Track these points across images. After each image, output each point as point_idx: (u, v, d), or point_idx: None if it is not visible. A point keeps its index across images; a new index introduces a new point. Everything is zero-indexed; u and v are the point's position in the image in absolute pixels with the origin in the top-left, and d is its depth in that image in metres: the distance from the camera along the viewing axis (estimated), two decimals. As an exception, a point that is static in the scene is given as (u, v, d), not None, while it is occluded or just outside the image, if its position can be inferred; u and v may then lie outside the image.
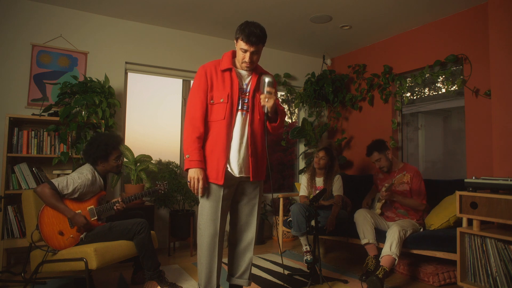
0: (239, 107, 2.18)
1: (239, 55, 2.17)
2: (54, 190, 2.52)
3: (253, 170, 2.20)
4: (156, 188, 2.87)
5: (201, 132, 2.13)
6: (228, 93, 2.15)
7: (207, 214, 2.15)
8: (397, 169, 3.32)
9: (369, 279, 2.65)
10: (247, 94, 2.22)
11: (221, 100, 2.14)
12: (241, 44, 2.12)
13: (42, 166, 3.52)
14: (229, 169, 2.15)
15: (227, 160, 2.13)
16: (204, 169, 2.12)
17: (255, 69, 2.28)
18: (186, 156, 2.11)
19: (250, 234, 2.30)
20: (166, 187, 2.93)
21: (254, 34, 2.08)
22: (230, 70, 2.20)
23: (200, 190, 2.10)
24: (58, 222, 2.55)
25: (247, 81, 2.25)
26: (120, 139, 2.91)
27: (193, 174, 2.09)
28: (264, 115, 2.18)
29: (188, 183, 2.11)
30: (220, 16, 3.91)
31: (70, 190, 2.57)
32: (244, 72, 2.25)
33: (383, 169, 3.33)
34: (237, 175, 2.16)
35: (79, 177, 2.63)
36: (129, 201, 2.79)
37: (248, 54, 2.13)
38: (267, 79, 2.14)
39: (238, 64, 2.23)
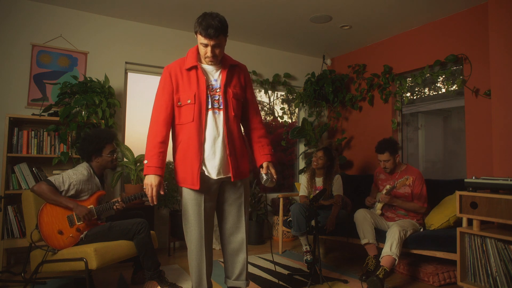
0: (209, 106, 2.06)
1: (201, 50, 2.05)
2: (51, 186, 2.53)
3: (234, 169, 2.09)
4: None
5: (164, 136, 2.04)
6: (194, 92, 2.03)
7: (190, 219, 2.09)
8: (400, 171, 3.30)
9: (369, 279, 2.65)
10: (218, 90, 2.09)
11: (188, 101, 2.03)
12: (201, 39, 2.00)
13: (42, 166, 3.52)
14: (206, 172, 2.06)
15: (201, 163, 2.03)
16: (161, 176, 2.01)
17: (223, 62, 2.14)
18: (145, 162, 2.01)
19: (240, 235, 2.21)
20: (165, 188, 2.92)
21: (212, 26, 1.94)
22: (195, 67, 2.08)
23: (154, 198, 1.99)
24: (58, 221, 2.55)
25: (215, 76, 2.12)
26: (113, 134, 2.90)
27: (148, 181, 1.99)
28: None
29: (144, 189, 2.02)
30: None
31: (66, 186, 2.59)
32: (210, 68, 2.12)
33: (386, 170, 3.31)
34: (215, 177, 2.07)
35: (74, 173, 2.66)
36: (128, 201, 2.78)
37: (209, 48, 2.00)
38: (264, 180, 2.16)
39: (203, 60, 2.11)
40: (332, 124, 5.16)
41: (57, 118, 3.41)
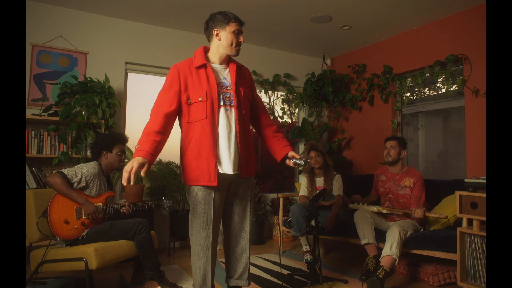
0: (221, 103, 2.07)
1: (233, 39, 2.10)
2: (64, 179, 2.63)
3: (243, 166, 2.11)
4: (161, 203, 2.92)
5: (161, 127, 2.00)
6: (206, 90, 2.03)
7: (198, 217, 2.08)
8: (401, 172, 3.30)
9: (369, 279, 2.65)
10: (229, 88, 2.11)
11: (200, 99, 2.03)
12: (234, 26, 2.10)
13: (42, 166, 3.52)
14: (220, 170, 2.05)
15: (217, 159, 2.04)
16: (149, 161, 1.90)
17: (230, 62, 2.20)
18: (136, 147, 1.93)
19: (244, 234, 2.24)
20: (170, 204, 2.94)
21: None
22: (204, 66, 2.09)
23: (132, 176, 1.81)
24: (66, 210, 2.62)
25: (224, 75, 2.15)
26: (126, 138, 3.06)
27: (132, 159, 1.87)
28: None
29: (124, 168, 1.86)
30: (220, 16, 3.90)
31: (78, 177, 2.70)
32: (219, 67, 2.16)
33: (388, 159, 3.31)
34: (232, 173, 2.07)
35: (86, 166, 2.79)
36: (135, 208, 2.85)
37: (241, 35, 2.13)
38: (303, 164, 2.18)
39: (213, 58, 2.15)
40: (332, 124, 5.16)
41: (57, 118, 3.41)
